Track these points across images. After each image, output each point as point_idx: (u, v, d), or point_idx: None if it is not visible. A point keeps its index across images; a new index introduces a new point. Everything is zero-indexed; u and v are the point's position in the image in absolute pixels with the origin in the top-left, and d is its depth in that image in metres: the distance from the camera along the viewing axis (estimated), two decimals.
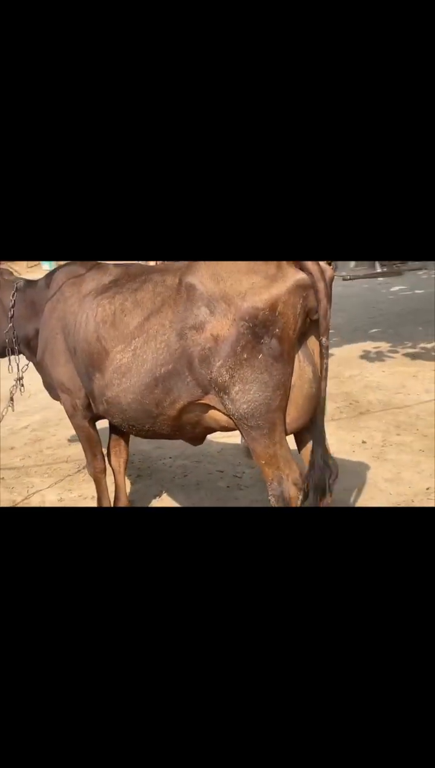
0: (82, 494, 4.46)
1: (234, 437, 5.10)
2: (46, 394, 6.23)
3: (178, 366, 2.99)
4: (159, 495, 4.36)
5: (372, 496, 4.09)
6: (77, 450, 5.21)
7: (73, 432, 5.46)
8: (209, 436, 4.98)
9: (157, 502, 4.25)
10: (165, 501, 4.26)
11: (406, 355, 7.03)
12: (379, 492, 4.15)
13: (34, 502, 4.38)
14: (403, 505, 3.98)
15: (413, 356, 6.93)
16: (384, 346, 7.36)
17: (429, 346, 7.27)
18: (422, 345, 7.29)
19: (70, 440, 5.42)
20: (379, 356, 7.04)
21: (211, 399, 3.01)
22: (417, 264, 12.66)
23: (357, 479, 4.29)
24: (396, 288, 10.71)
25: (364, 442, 4.94)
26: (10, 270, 4.28)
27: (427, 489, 4.14)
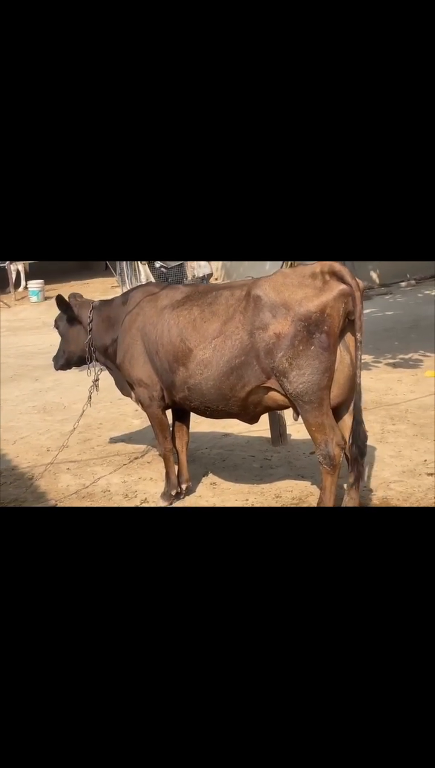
0: (141, 477, 5.36)
1: (258, 432, 6.06)
2: (80, 405, 7.15)
3: (249, 358, 3.96)
4: (206, 475, 5.28)
5: (382, 468, 5.09)
6: (123, 446, 6.11)
7: (115, 433, 6.38)
8: (237, 431, 5.96)
9: (207, 480, 5.18)
10: (213, 479, 5.19)
11: (388, 364, 8.11)
12: (387, 465, 5.16)
13: (102, 484, 5.25)
14: (407, 473, 4.99)
15: (394, 365, 8.02)
16: (368, 358, 8.42)
17: (407, 356, 8.38)
18: (401, 356, 8.39)
19: (113, 440, 6.29)
20: (365, 366, 8.09)
21: (272, 382, 3.99)
22: (383, 289, 13.89)
23: (369, 456, 5.25)
24: (368, 311, 11.85)
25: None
26: (81, 294, 5.23)
27: (425, 461, 5.17)
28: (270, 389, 4.04)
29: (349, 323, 3.91)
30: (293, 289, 3.83)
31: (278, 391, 4.02)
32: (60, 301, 4.98)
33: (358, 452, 3.97)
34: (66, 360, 5.24)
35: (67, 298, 5.12)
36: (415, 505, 4.48)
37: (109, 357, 4.92)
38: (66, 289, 17.84)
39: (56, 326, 5.20)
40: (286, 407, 4.17)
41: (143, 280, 15.15)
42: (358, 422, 3.97)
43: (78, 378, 8.44)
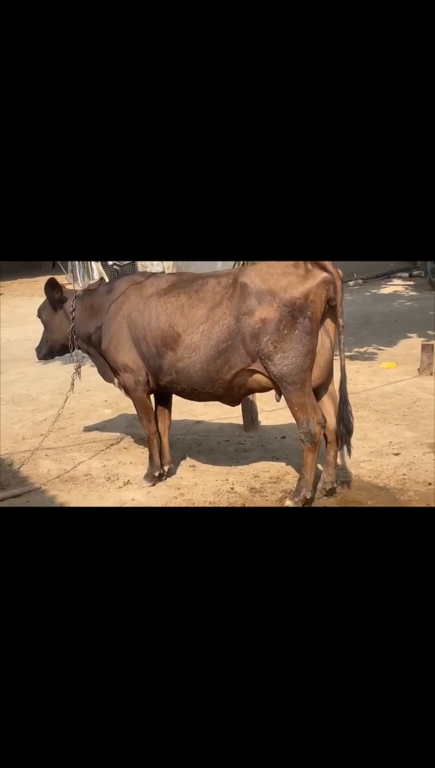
0: (120, 461, 5.54)
1: (228, 419, 6.31)
2: (48, 396, 7.29)
3: (235, 342, 4.21)
4: (184, 458, 5.50)
5: (352, 450, 5.40)
6: (98, 434, 6.26)
7: (87, 422, 6.53)
8: (207, 419, 6.20)
9: (186, 463, 5.39)
10: (191, 462, 5.41)
11: (345, 357, 8.46)
12: (355, 447, 5.37)
13: (82, 469, 5.41)
14: (375, 453, 5.32)
15: (351, 358, 8.38)
16: None
17: (362, 350, 8.77)
18: (356, 350, 8.78)
19: (87, 428, 6.44)
20: None
21: (257, 365, 4.24)
22: None
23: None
24: None
25: None
26: (63, 286, 5.37)
27: (390, 443, 5.51)
28: (254, 372, 4.30)
29: (328, 310, 4.20)
30: (278, 276, 4.10)
31: (262, 374, 4.27)
32: (51, 283, 5.08)
33: (345, 431, 4.28)
34: (49, 349, 5.36)
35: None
36: (385, 481, 4.80)
37: (93, 344, 5.08)
38: (14, 286, 17.77)
39: (39, 316, 5.33)
40: (269, 389, 4.42)
41: (96, 277, 15.21)
42: (344, 402, 4.27)
43: (42, 371, 8.56)
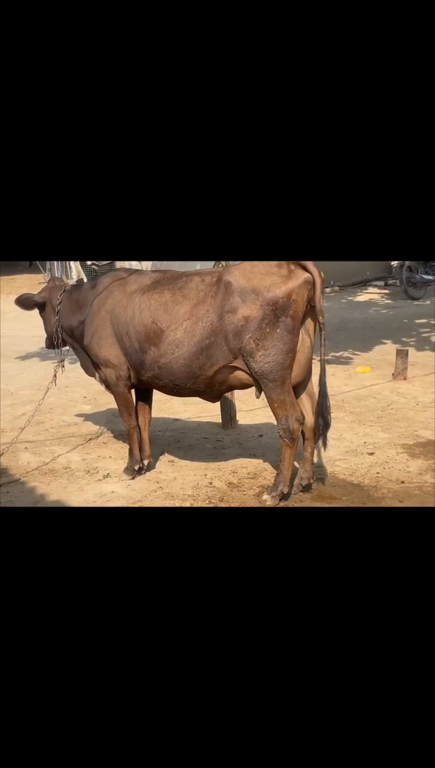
0: (100, 455, 5.60)
1: (206, 417, 6.40)
2: (28, 391, 7.33)
3: (218, 339, 4.31)
4: (163, 454, 5.58)
5: (327, 449, 5.51)
6: (77, 428, 6.32)
7: (66, 417, 6.58)
8: (186, 417, 6.29)
9: (165, 458, 5.47)
10: (170, 457, 5.49)
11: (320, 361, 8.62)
12: (331, 446, 5.52)
13: (62, 461, 5.46)
14: (350, 452, 5.45)
15: (327, 362, 8.49)
16: None
17: (338, 354, 8.94)
18: (332, 354, 8.95)
19: (66, 423, 6.50)
20: None
21: (238, 362, 4.35)
22: None
23: None
24: None
25: None
26: (60, 278, 5.43)
27: (365, 443, 5.65)
28: (236, 368, 4.40)
29: (309, 309, 4.32)
30: (261, 276, 4.21)
31: (243, 371, 4.38)
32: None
33: (323, 423, 4.40)
34: (48, 340, 5.42)
35: (46, 282, 5.34)
36: (360, 478, 4.92)
37: (76, 338, 5.15)
38: None
39: (39, 309, 5.41)
40: (250, 386, 4.53)
41: (74, 277, 15.26)
42: (323, 395, 4.40)
43: (21, 367, 8.59)
